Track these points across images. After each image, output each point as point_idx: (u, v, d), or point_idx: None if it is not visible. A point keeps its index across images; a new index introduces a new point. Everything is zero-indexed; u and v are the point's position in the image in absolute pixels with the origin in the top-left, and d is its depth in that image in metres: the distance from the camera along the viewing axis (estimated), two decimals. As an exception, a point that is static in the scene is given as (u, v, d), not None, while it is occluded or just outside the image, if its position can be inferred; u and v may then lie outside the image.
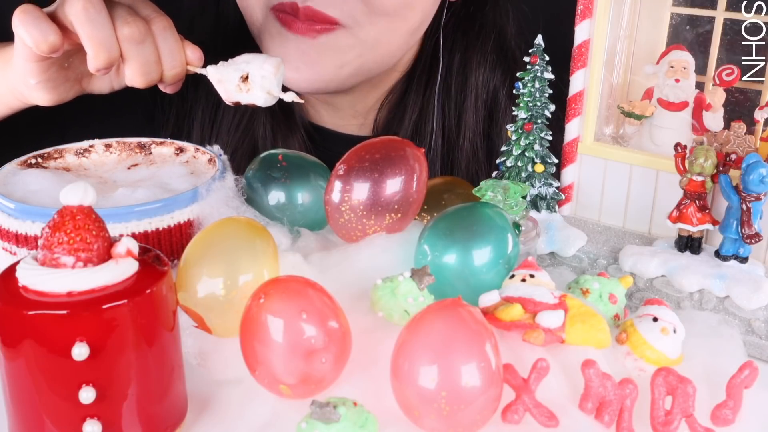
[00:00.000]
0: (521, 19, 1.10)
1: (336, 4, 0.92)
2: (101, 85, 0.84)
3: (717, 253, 0.68)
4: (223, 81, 0.75)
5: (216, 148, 0.77)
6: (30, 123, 0.89)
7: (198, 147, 0.77)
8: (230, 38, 1.06)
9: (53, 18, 0.73)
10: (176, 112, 1.09)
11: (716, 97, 0.76)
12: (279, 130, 1.07)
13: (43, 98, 0.80)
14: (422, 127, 1.08)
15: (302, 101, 0.76)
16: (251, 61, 0.74)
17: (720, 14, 0.75)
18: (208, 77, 0.76)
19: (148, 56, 0.75)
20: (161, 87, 0.80)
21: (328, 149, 1.04)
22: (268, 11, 0.96)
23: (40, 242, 0.46)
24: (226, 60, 0.76)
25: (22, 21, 0.71)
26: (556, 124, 0.76)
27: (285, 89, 0.75)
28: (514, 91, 0.74)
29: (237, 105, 0.76)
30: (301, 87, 0.97)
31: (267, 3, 0.96)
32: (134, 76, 0.76)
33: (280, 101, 0.76)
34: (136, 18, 0.74)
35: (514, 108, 0.75)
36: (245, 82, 0.74)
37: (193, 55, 0.78)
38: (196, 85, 1.06)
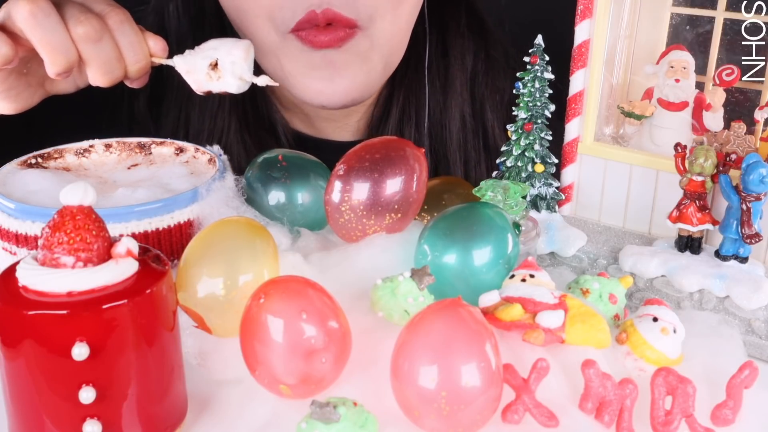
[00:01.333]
0: None
1: (350, 3, 0.91)
2: (66, 86, 0.81)
3: (717, 253, 0.68)
4: (192, 71, 0.72)
5: (216, 148, 0.76)
6: (8, 135, 0.86)
7: (198, 147, 0.77)
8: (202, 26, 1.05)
9: (1, 28, 0.70)
10: (142, 128, 1.05)
11: (716, 97, 0.76)
12: (252, 152, 1.03)
13: (7, 108, 0.77)
14: (408, 109, 1.09)
15: (276, 84, 0.74)
16: (219, 47, 0.71)
17: (720, 14, 0.75)
18: (176, 68, 0.73)
19: (108, 54, 0.72)
20: (127, 83, 0.77)
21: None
22: (285, 34, 0.93)
23: (40, 242, 0.46)
24: (193, 48, 0.73)
25: None
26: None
27: (257, 73, 0.72)
28: (514, 91, 0.74)
29: (209, 94, 0.74)
30: (339, 100, 0.96)
31: (283, 27, 0.93)
32: (96, 76, 0.73)
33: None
34: (89, 15, 0.71)
35: (514, 108, 0.75)
36: (215, 69, 0.71)
37: (156, 45, 0.75)
38: (164, 97, 1.04)
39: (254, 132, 1.06)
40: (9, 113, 0.78)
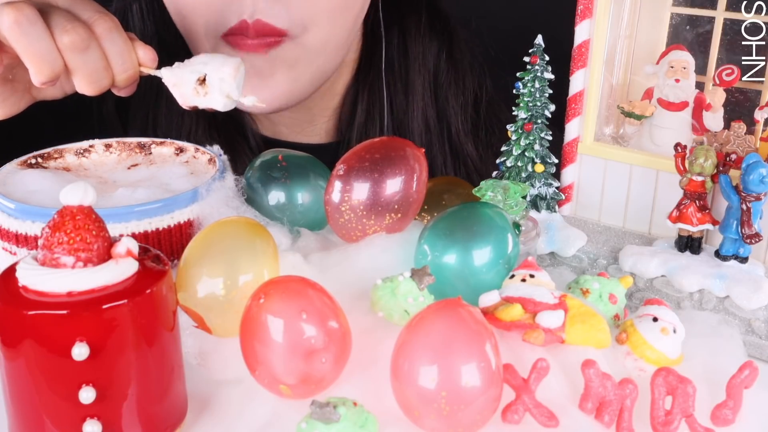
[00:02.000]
0: None
1: (282, 14, 0.90)
2: (53, 92, 0.78)
3: (717, 253, 0.68)
4: (179, 84, 0.70)
5: (216, 148, 0.76)
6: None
7: (198, 147, 0.77)
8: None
9: None
10: (111, 131, 1.03)
11: (716, 97, 0.76)
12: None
13: None
14: (372, 111, 1.07)
15: (263, 105, 0.73)
16: (209, 63, 0.70)
17: (720, 14, 0.75)
18: (163, 80, 0.72)
19: (95, 62, 0.70)
20: (115, 91, 0.76)
21: None
22: (217, 39, 0.92)
23: (40, 242, 0.46)
24: (182, 60, 0.72)
25: None
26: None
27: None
28: (514, 91, 0.74)
29: (194, 110, 0.72)
30: (265, 107, 0.96)
31: (215, 32, 0.92)
32: (83, 85, 0.72)
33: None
34: (76, 24, 0.69)
35: (514, 108, 0.75)
36: (202, 84, 0.70)
37: (146, 55, 0.73)
38: (132, 99, 1.03)
39: (223, 131, 1.04)
40: None
